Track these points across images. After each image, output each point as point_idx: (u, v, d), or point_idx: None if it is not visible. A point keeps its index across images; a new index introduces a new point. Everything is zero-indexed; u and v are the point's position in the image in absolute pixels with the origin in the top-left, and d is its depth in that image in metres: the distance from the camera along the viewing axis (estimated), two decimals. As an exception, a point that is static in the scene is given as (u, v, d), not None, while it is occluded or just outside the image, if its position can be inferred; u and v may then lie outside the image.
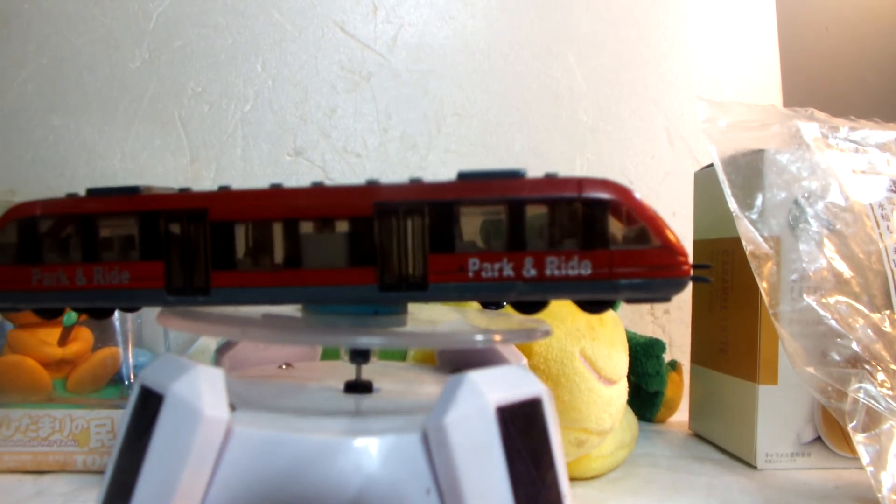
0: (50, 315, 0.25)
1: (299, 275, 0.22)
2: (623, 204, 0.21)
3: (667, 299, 0.22)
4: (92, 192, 0.24)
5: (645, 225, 0.21)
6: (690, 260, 0.22)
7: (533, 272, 0.22)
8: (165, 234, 0.23)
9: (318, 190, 0.22)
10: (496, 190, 0.22)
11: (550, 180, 0.22)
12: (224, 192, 0.23)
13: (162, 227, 0.23)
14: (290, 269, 0.22)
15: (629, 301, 0.22)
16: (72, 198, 0.24)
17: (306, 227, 0.22)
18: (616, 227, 0.21)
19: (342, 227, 0.22)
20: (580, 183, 0.21)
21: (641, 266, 0.21)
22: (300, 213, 0.22)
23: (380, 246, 0.22)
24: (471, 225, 0.22)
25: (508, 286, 0.22)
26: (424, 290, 0.22)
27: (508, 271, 0.22)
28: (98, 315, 0.26)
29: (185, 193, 0.23)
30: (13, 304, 0.24)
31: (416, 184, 0.22)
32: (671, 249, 0.21)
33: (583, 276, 0.21)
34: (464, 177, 0.22)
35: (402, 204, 0.22)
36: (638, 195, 0.22)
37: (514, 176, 0.22)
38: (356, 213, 0.22)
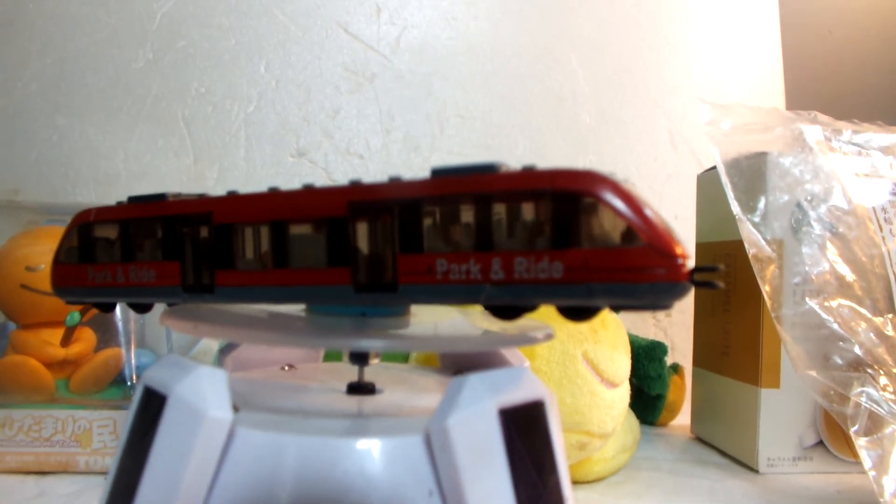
0: (105, 308, 0.29)
1: (287, 274, 0.23)
2: (599, 197, 0.19)
3: (659, 306, 0.19)
4: (131, 200, 0.26)
5: (626, 221, 0.18)
6: (690, 262, 0.19)
7: (501, 274, 0.20)
8: (180, 237, 0.25)
9: (300, 192, 0.23)
10: (463, 186, 0.20)
11: (520, 174, 0.20)
12: (227, 196, 0.24)
13: (177, 229, 0.25)
14: (279, 268, 0.23)
15: (613, 308, 0.20)
16: (118, 205, 0.27)
17: (291, 229, 0.23)
18: (591, 224, 0.19)
19: (321, 228, 0.22)
20: (553, 175, 0.19)
21: (621, 268, 0.18)
22: (285, 214, 0.23)
23: (353, 246, 0.22)
24: (440, 224, 0.20)
25: (476, 289, 0.20)
26: (394, 291, 0.21)
27: (476, 273, 0.20)
28: (140, 309, 0.28)
29: (197, 198, 0.25)
30: (76, 297, 0.28)
31: (388, 183, 0.21)
32: (658, 249, 0.18)
33: (554, 279, 0.19)
34: (436, 174, 0.21)
35: (373, 204, 0.21)
36: (625, 187, 0.19)
37: (487, 170, 0.20)
38: (333, 214, 0.22)
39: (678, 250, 0.18)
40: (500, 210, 0.20)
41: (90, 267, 0.27)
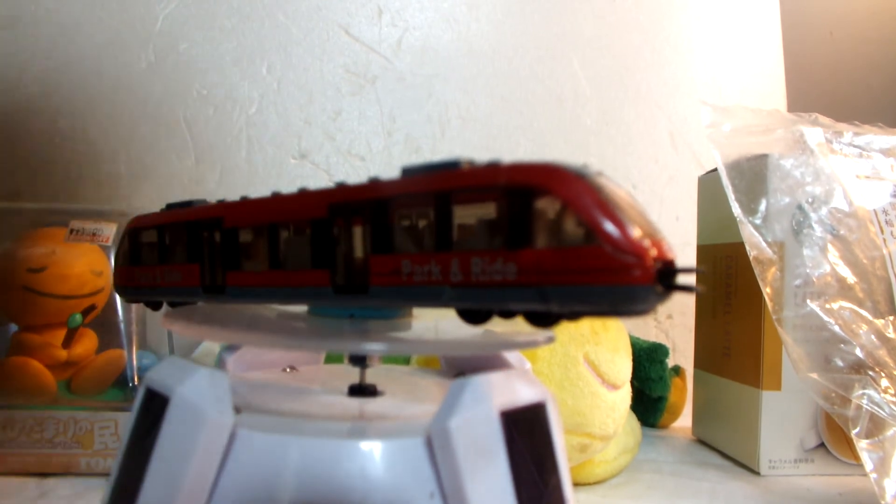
0: (153, 307, 0.30)
1: (282, 276, 0.23)
2: (552, 192, 0.17)
3: (624, 312, 0.17)
4: (168, 206, 0.28)
5: (580, 218, 0.17)
6: (682, 263, 0.17)
7: (459, 276, 0.18)
8: (199, 240, 0.26)
9: (292, 196, 0.23)
10: (425, 185, 0.19)
11: (476, 170, 0.19)
12: (237, 201, 0.25)
13: (197, 234, 0.26)
14: (275, 270, 0.24)
15: (576, 314, 0.18)
16: (160, 212, 0.28)
17: (283, 231, 0.23)
18: (546, 221, 0.17)
19: (307, 230, 0.22)
20: (509, 170, 0.18)
21: (576, 270, 0.17)
22: (279, 218, 0.23)
23: (332, 248, 0.22)
24: (404, 224, 0.20)
25: (437, 291, 0.19)
26: (366, 292, 0.21)
27: (437, 274, 0.19)
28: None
29: (215, 204, 0.26)
30: (128, 296, 0.31)
31: (363, 184, 0.21)
32: (617, 249, 0.16)
33: (508, 281, 0.18)
34: (405, 172, 0.20)
35: (348, 205, 0.21)
36: (588, 181, 0.17)
37: (450, 168, 0.19)
38: (316, 217, 0.22)
39: (643, 251, 0.16)
40: (458, 208, 0.19)
41: (137, 268, 0.29)
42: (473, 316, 0.21)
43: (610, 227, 0.16)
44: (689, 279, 0.17)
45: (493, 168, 0.18)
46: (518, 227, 0.18)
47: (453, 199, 0.19)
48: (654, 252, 0.16)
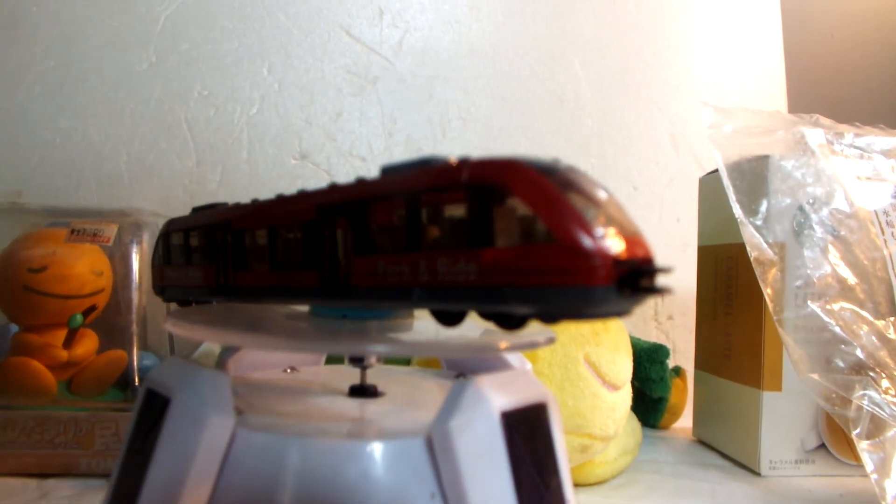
0: (183, 304, 0.32)
1: (279, 276, 0.24)
2: (509, 189, 0.16)
3: (586, 315, 0.16)
4: (193, 210, 0.30)
5: (537, 215, 0.16)
6: (651, 263, 0.16)
7: (427, 276, 0.18)
8: (214, 242, 0.27)
9: (289, 198, 0.23)
10: (397, 184, 0.19)
11: (442, 168, 0.18)
12: (246, 204, 0.26)
13: (212, 236, 0.27)
14: (274, 270, 0.24)
15: (544, 316, 0.17)
16: (187, 216, 0.30)
17: (281, 233, 0.24)
18: (505, 220, 0.17)
19: (300, 231, 0.23)
20: (471, 167, 0.17)
21: (534, 269, 0.16)
22: (277, 220, 0.24)
23: (319, 249, 0.22)
24: (380, 224, 0.20)
25: (407, 292, 0.19)
26: (349, 292, 0.21)
27: (407, 275, 0.19)
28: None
29: (228, 207, 0.27)
30: (166, 296, 0.32)
31: (347, 185, 0.21)
32: (574, 248, 0.15)
33: (470, 281, 0.17)
34: (384, 172, 0.20)
35: (333, 207, 0.21)
36: (550, 177, 0.16)
37: (423, 166, 0.19)
38: (307, 218, 0.22)
39: (602, 250, 0.15)
40: (425, 207, 0.18)
41: (168, 269, 0.31)
42: (445, 317, 0.20)
43: (567, 225, 0.15)
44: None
45: (458, 165, 0.18)
46: (478, 225, 0.17)
47: (421, 199, 0.19)
48: (616, 251, 0.15)
